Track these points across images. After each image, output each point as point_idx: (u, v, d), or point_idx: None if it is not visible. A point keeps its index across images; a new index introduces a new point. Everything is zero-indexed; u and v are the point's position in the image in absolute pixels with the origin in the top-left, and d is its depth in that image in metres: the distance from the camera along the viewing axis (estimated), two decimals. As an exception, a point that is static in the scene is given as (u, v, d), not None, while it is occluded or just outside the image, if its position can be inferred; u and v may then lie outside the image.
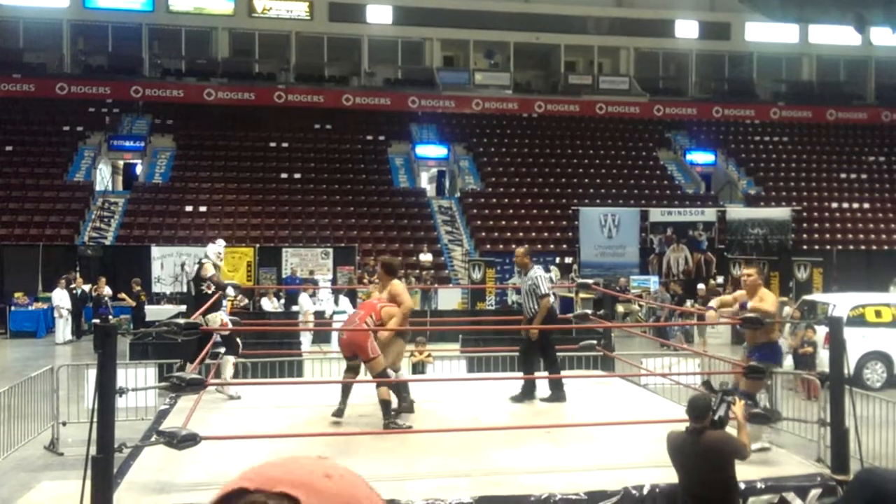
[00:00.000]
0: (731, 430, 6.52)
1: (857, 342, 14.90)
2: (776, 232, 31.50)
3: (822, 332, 13.87)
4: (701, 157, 38.18)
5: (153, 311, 21.75)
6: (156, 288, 25.18)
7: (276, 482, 1.17)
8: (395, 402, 8.90)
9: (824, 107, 41.70)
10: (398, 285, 9.39)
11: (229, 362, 10.19)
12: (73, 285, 22.83)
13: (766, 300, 8.31)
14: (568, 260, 29.31)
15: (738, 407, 6.42)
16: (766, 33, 40.98)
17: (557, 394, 9.88)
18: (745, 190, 36.22)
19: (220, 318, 10.10)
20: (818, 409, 8.80)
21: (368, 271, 23.53)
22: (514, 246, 30.06)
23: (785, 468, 7.47)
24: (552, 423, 8.35)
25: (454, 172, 35.97)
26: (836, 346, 7.56)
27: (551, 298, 10.01)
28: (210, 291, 10.40)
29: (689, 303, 22.91)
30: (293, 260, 26.41)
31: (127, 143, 34.52)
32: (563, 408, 9.45)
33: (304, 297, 18.96)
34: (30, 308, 23.47)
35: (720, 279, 27.63)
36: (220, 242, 10.99)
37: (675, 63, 43.50)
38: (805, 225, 33.57)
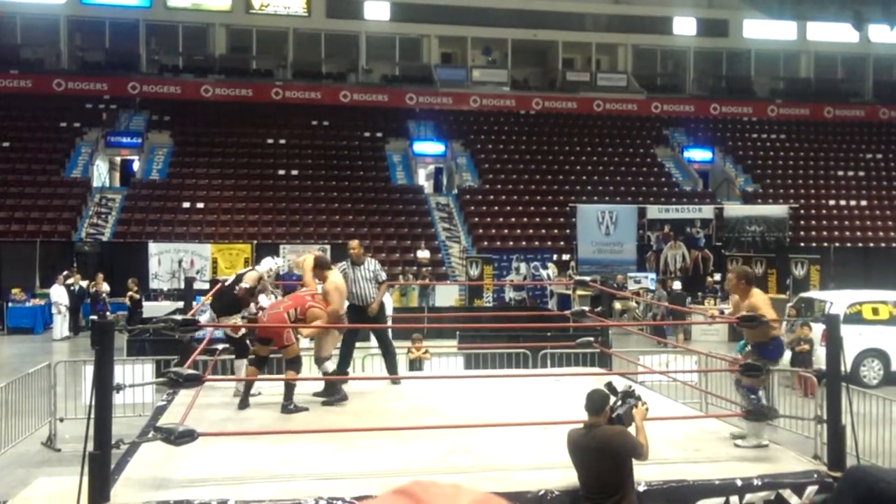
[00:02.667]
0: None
1: (854, 339, 14.92)
2: (773, 229, 31.55)
3: (818, 329, 13.89)
4: (698, 155, 38.23)
5: (150, 308, 21.73)
6: (153, 284, 25.18)
7: None
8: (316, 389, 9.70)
9: (822, 104, 41.72)
10: (332, 285, 9.74)
11: (243, 365, 10.04)
12: (69, 281, 22.81)
13: (760, 306, 8.12)
14: (565, 257, 29.36)
15: (639, 410, 6.47)
16: (763, 30, 41.02)
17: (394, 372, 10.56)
18: (743, 187, 36.25)
19: (237, 321, 9.92)
20: (815, 406, 8.81)
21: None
22: (511, 243, 30.30)
23: (782, 465, 7.47)
24: (549, 420, 8.35)
25: (452, 169, 35.98)
26: (833, 343, 7.56)
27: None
28: (238, 294, 10.15)
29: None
30: (291, 256, 26.35)
31: (124, 140, 34.51)
32: (560, 404, 9.45)
33: None
34: (27, 304, 23.46)
35: (717, 276, 27.67)
36: (278, 261, 10.96)
37: (673, 60, 43.52)
38: (802, 222, 33.60)
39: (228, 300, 9.85)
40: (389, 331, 11.13)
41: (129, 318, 21.68)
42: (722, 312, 9.34)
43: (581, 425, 6.35)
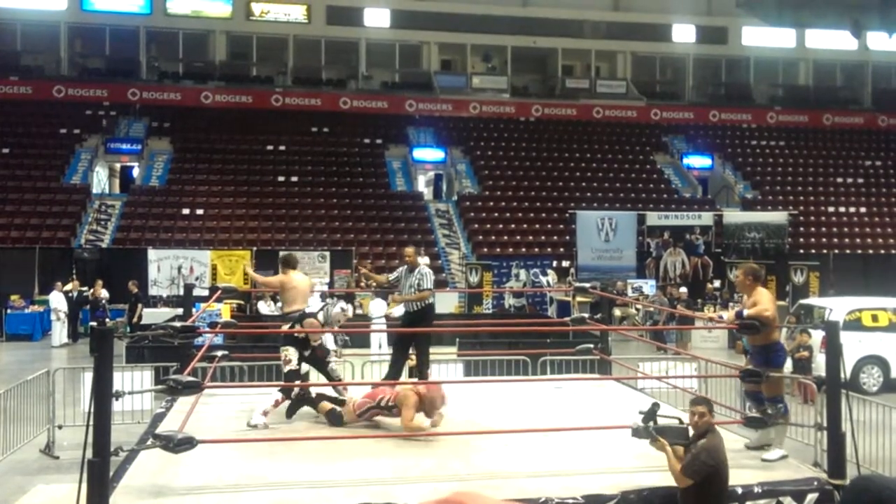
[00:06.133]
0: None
1: (854, 346, 14.92)
2: (773, 236, 31.54)
3: (818, 336, 13.88)
4: (698, 161, 38.24)
5: (149, 314, 21.70)
6: (152, 291, 25.15)
7: None
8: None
9: (821, 111, 41.76)
10: (276, 278, 10.15)
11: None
12: (68, 287, 22.78)
13: (762, 302, 8.21)
14: (565, 263, 29.34)
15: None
16: (762, 38, 41.07)
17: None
18: (742, 194, 36.27)
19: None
20: (815, 414, 8.81)
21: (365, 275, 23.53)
22: (511, 250, 30.28)
23: (782, 472, 7.47)
24: (549, 427, 8.35)
25: (451, 176, 35.99)
26: (833, 350, 7.55)
27: (432, 298, 10.61)
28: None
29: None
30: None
31: (124, 146, 34.51)
32: (561, 411, 9.44)
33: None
34: (26, 311, 23.43)
35: (717, 283, 27.67)
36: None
37: (673, 67, 43.56)
38: (802, 229, 33.60)
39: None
40: (430, 339, 10.91)
41: (129, 317, 21.63)
42: (721, 318, 9.34)
43: (698, 438, 6.24)
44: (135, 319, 21.41)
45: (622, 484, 6.82)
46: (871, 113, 42.42)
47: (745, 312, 8.12)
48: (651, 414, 6.41)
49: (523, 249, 30.49)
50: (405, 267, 10.64)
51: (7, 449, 10.35)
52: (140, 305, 21.98)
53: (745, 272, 8.54)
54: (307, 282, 10.16)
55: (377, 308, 18.75)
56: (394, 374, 10.44)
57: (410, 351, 10.73)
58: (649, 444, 6.35)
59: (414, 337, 10.44)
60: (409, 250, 10.85)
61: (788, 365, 15.32)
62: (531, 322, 19.84)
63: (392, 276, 10.80)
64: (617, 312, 23.76)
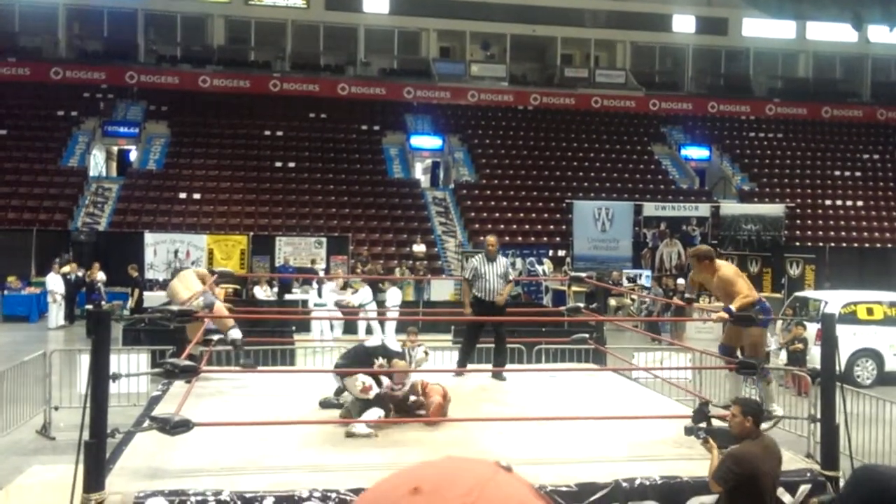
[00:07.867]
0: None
1: (849, 339, 14.95)
2: (769, 228, 31.53)
3: (813, 328, 13.93)
4: (695, 153, 38.24)
5: (146, 298, 21.70)
6: (149, 274, 25.15)
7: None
8: None
9: (820, 104, 41.74)
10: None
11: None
12: (65, 269, 22.75)
13: (735, 285, 8.08)
14: (561, 253, 29.35)
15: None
16: (762, 29, 41.03)
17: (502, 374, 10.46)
18: (739, 186, 36.28)
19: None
20: (809, 406, 8.86)
21: (362, 261, 23.52)
22: (507, 238, 30.27)
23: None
24: (544, 416, 8.38)
25: (449, 164, 35.96)
26: (828, 342, 7.58)
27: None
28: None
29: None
30: (286, 248, 26.42)
31: (121, 129, 34.45)
32: (555, 400, 9.48)
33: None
34: (22, 293, 23.42)
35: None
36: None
37: (672, 57, 43.52)
38: (798, 221, 33.63)
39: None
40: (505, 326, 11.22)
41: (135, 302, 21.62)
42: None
43: (740, 441, 6.02)
44: (131, 304, 21.40)
45: (616, 473, 6.85)
46: (870, 106, 42.41)
47: (732, 307, 8.05)
48: (701, 414, 6.32)
49: (519, 238, 30.50)
50: (481, 256, 10.80)
51: (3, 430, 10.39)
52: (140, 290, 21.99)
53: (697, 258, 8.50)
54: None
55: (393, 297, 18.78)
56: (464, 361, 10.75)
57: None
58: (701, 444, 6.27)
59: (483, 327, 10.96)
60: (492, 239, 11.18)
61: (783, 357, 15.44)
62: (526, 311, 19.86)
63: (468, 274, 10.96)
64: (612, 302, 23.78)
